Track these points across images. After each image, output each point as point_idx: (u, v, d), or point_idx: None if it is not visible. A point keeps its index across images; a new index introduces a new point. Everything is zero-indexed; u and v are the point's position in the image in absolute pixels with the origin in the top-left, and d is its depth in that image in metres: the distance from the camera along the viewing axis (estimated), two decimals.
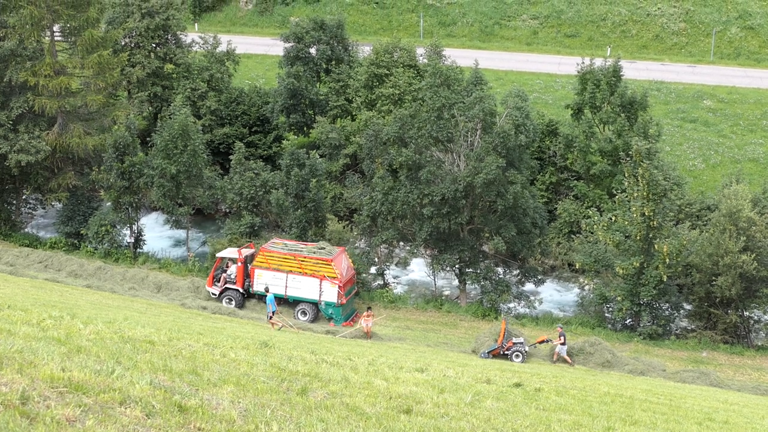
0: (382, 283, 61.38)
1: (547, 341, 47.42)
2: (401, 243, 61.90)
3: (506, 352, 45.87)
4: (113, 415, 10.36)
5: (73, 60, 64.64)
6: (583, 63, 65.14)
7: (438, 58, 68.06)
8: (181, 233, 67.43)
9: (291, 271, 54.31)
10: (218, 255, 57.64)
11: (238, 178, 63.18)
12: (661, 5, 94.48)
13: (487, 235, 57.92)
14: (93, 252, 61.82)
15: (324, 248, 55.89)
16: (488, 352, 45.78)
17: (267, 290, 50.68)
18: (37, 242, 64.62)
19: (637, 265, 52.83)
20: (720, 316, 54.44)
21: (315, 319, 53.67)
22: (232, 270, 55.90)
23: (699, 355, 52.24)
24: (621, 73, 62.98)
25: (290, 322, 49.66)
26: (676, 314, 56.20)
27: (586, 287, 59.64)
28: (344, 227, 64.33)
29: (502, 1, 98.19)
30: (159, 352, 17.27)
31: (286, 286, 54.39)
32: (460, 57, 70.66)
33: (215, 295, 54.67)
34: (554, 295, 61.33)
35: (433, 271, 60.85)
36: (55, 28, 64.62)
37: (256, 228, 62.40)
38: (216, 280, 55.54)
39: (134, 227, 63.74)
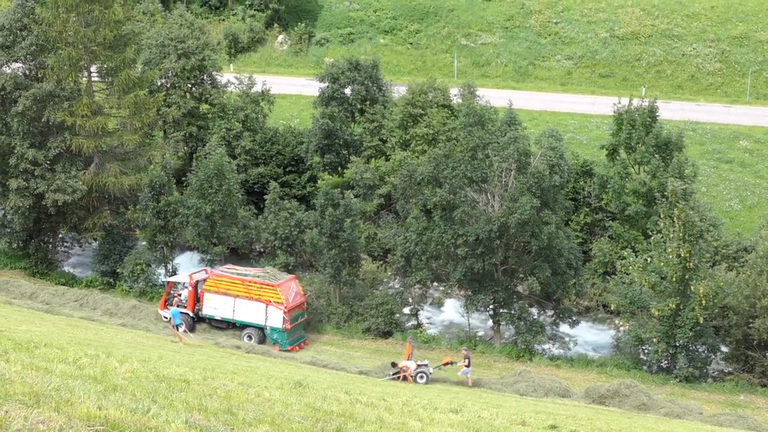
0: (415, 323, 61.29)
1: (452, 363, 48.51)
2: (435, 283, 61.87)
3: (410, 376, 46.79)
4: None
5: (110, 100, 65.23)
6: (618, 103, 65.14)
7: (472, 97, 68.22)
8: None
9: (238, 295, 55.54)
10: (169, 279, 59.01)
11: (272, 218, 63.38)
12: (696, 45, 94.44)
13: (521, 275, 57.80)
14: (128, 291, 62.13)
15: (270, 274, 56.87)
16: (392, 375, 46.87)
17: (173, 305, 53.91)
18: (73, 281, 64.97)
19: (673, 306, 52.54)
20: (758, 359, 54.05)
21: (261, 342, 54.34)
22: (184, 294, 56.82)
23: (736, 398, 51.77)
24: (656, 114, 62.90)
25: (191, 336, 51.40)
26: (713, 356, 55.79)
27: (621, 329, 59.32)
28: (378, 267, 64.50)
29: (536, 42, 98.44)
30: (194, 391, 17.36)
31: (234, 310, 55.57)
32: (494, 97, 70.66)
33: (166, 318, 54.45)
34: (589, 336, 61.00)
35: (467, 312, 60.79)
36: (93, 68, 65.18)
37: (290, 267, 62.58)
38: (168, 303, 56.10)
39: (169, 266, 64.03)
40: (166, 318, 54.30)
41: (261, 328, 55.01)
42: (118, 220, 66.15)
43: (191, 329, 54.99)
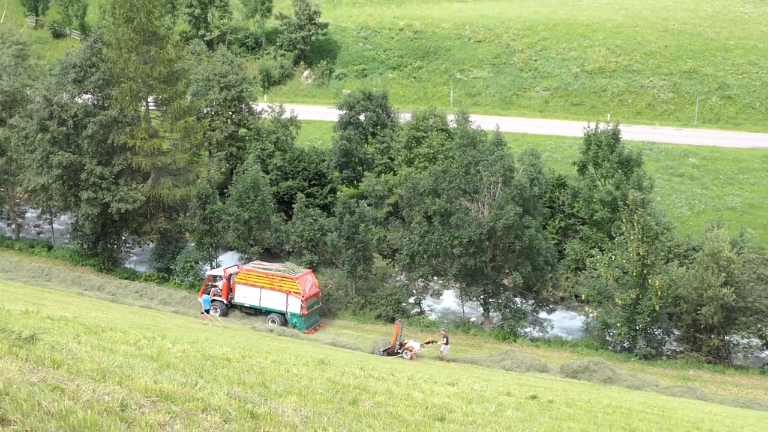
0: (419, 310, 61.27)
1: (433, 342, 48.75)
2: (435, 277, 61.76)
3: (398, 351, 47.21)
4: (196, 421, 10.42)
5: (164, 125, 65.35)
6: (587, 127, 65.26)
7: (465, 122, 68.17)
8: None
9: (264, 286, 56.09)
10: (208, 273, 59.22)
11: (299, 223, 63.53)
12: (653, 78, 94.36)
13: (506, 270, 57.71)
14: (179, 284, 62.15)
15: (290, 268, 57.50)
16: (383, 351, 47.17)
17: (211, 294, 55.32)
18: (134, 275, 65.04)
19: (634, 296, 52.49)
20: (704, 340, 53.88)
21: (284, 325, 54.46)
22: (219, 285, 57.28)
23: (687, 373, 51.63)
24: (619, 136, 62.98)
25: (218, 319, 51.82)
26: (667, 338, 55.63)
27: (590, 315, 59.16)
28: (387, 264, 64.41)
29: (518, 76, 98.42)
30: (234, 367, 17.36)
31: (260, 299, 56.20)
32: (484, 122, 70.68)
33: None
34: (563, 321, 60.83)
35: (462, 301, 60.71)
36: (150, 99, 65.30)
37: (314, 264, 62.69)
38: (206, 292, 56.21)
39: (213, 263, 64.03)
40: (207, 307, 54.81)
41: (283, 314, 55.36)
42: (171, 225, 66.25)
43: (224, 314, 55.80)
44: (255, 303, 56.37)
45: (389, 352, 46.99)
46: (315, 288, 57.11)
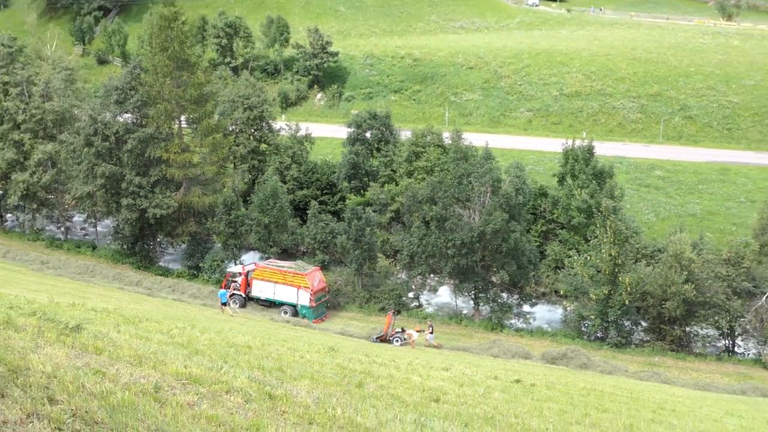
0: (417, 304, 61.25)
1: (421, 331, 48.81)
2: (432, 275, 61.72)
3: (389, 338, 47.72)
4: (221, 401, 10.39)
5: (195, 141, 65.43)
6: (565, 143, 65.25)
7: (459, 139, 68.12)
8: None
9: (277, 281, 56.26)
10: (228, 270, 59.53)
11: (313, 227, 63.56)
12: (623, 101, 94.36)
13: (494, 269, 57.65)
14: (207, 279, 62.10)
15: (299, 266, 57.88)
16: (377, 338, 47.57)
17: (231, 289, 55.77)
18: (167, 272, 65.07)
19: (606, 292, 52.43)
20: (668, 331, 53.83)
21: (294, 316, 54.75)
22: (238, 280, 57.40)
23: (653, 359, 51.54)
24: (593, 151, 62.95)
25: (236, 309, 52.48)
26: (635, 329, 55.54)
27: (568, 308, 59.08)
28: (390, 263, 64.42)
29: (505, 99, 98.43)
30: (254, 354, 17.32)
31: (274, 292, 56.39)
32: (475, 139, 70.63)
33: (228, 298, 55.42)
34: (544, 314, 60.73)
35: (455, 296, 60.65)
36: (182, 118, 65.48)
37: (325, 263, 62.68)
38: (227, 287, 56.20)
39: (237, 262, 64.04)
40: (224, 300, 54.99)
41: (294, 306, 55.57)
42: (200, 228, 66.35)
43: (243, 306, 56.09)
44: (270, 296, 56.55)
45: (382, 339, 47.42)
46: (322, 283, 57.22)
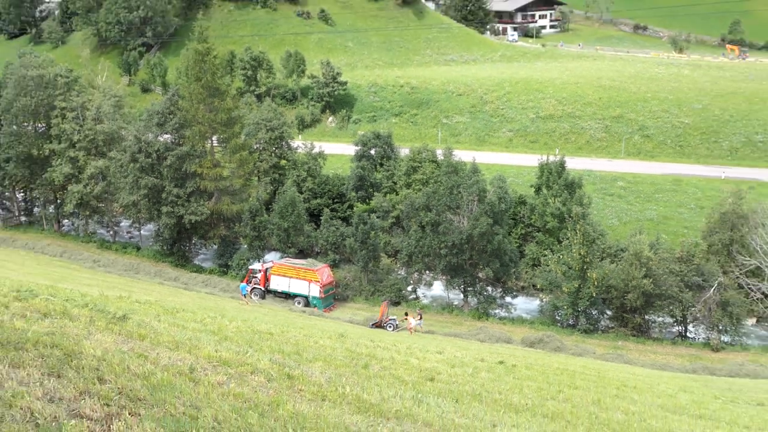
0: (415, 296, 61.18)
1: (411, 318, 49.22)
2: (427, 271, 61.65)
3: (384, 324, 48.27)
4: (246, 381, 10.37)
5: (224, 157, 65.44)
6: (541, 159, 65.18)
7: (450, 156, 68.09)
8: None
9: (291, 276, 56.29)
10: (249, 267, 59.45)
11: (325, 231, 63.58)
12: (590, 122, 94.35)
13: (481, 266, 57.59)
14: (235, 276, 62.04)
15: (310, 263, 57.98)
16: (373, 324, 48.02)
17: (250, 283, 56.03)
18: (201, 269, 65.06)
19: (576, 286, 52.44)
20: (630, 319, 53.76)
21: (307, 306, 54.76)
22: (258, 276, 57.41)
23: (617, 343, 51.45)
24: (565, 165, 62.92)
25: (256, 300, 53.48)
26: (602, 317, 55.50)
27: (544, 300, 58.99)
28: (391, 261, 64.35)
29: (489, 121, 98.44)
30: (275, 339, 17.30)
31: (289, 286, 56.37)
32: (464, 155, 70.69)
33: (250, 291, 55.58)
34: (524, 305, 60.63)
35: (447, 289, 60.60)
36: (214, 138, 65.58)
37: (336, 261, 62.70)
38: (249, 282, 56.58)
39: (260, 261, 64.02)
40: (244, 292, 55.07)
41: (306, 297, 55.56)
42: (229, 231, 66.37)
43: (263, 297, 56.11)
44: (285, 289, 56.54)
45: (377, 325, 47.92)
46: (330, 278, 57.22)
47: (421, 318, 48.86)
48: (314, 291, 55.42)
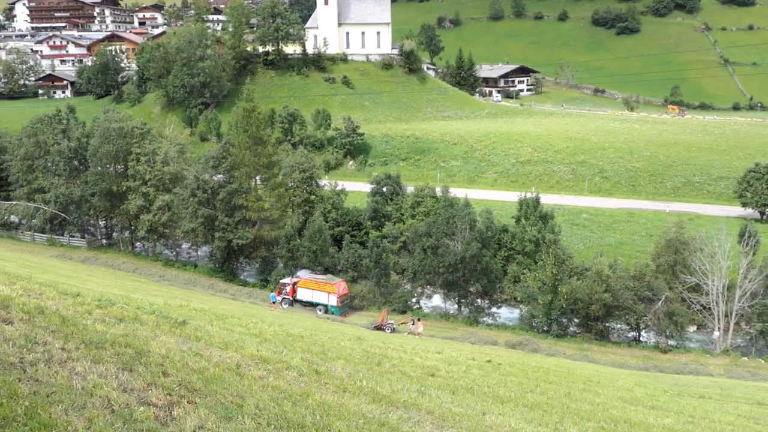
0: (418, 307, 60.71)
1: (405, 323, 49.14)
2: (428, 286, 61.37)
3: (383, 327, 47.58)
4: (282, 375, 10.26)
5: (266, 193, 65.63)
6: (520, 196, 64.97)
7: (446, 193, 68.04)
8: None
9: (314, 288, 55.63)
10: (281, 281, 58.62)
11: (346, 253, 63.42)
12: (560, 166, 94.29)
13: (472, 282, 57.30)
14: (273, 288, 61.85)
15: (329, 277, 57.18)
16: (374, 327, 47.34)
17: (279, 294, 55.36)
18: (246, 283, 64.92)
19: (550, 298, 51.97)
20: (593, 326, 53.26)
21: (326, 313, 53.95)
22: (287, 288, 56.76)
23: (582, 346, 50.84)
24: (539, 201, 62.64)
25: (285, 307, 52.93)
26: (570, 324, 54.92)
27: (523, 310, 58.52)
28: (399, 278, 63.97)
29: (478, 165, 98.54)
30: (305, 341, 17.16)
31: (312, 296, 55.65)
32: (458, 192, 70.56)
33: (273, 300, 55.05)
34: (507, 314, 60.13)
35: (444, 301, 60.20)
36: (257, 177, 65.84)
37: (355, 278, 62.44)
38: (279, 293, 56.15)
39: (293, 277, 63.88)
40: (273, 300, 54.89)
41: (325, 305, 54.99)
42: (269, 253, 66.35)
43: (291, 305, 55.40)
44: (309, 299, 55.91)
45: (377, 328, 47.41)
46: (345, 290, 56.67)
47: (413, 323, 48.69)
48: (332, 300, 55.01)
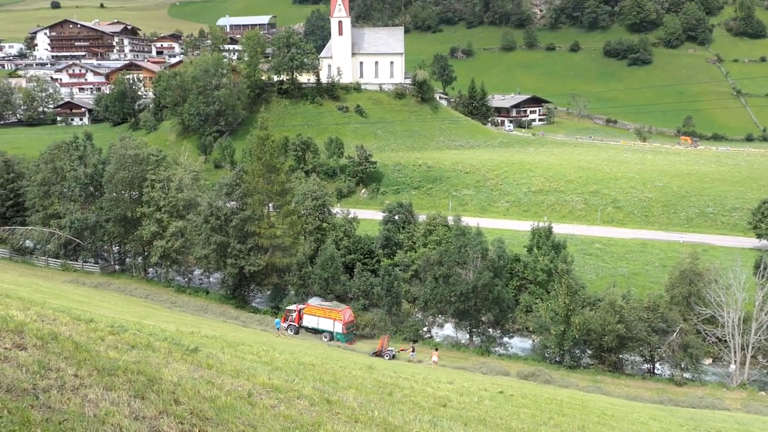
0: (429, 335, 60.27)
1: (405, 350, 49.16)
2: (439, 315, 60.98)
3: (382, 354, 47.43)
4: (293, 404, 10.18)
5: (278, 220, 65.81)
6: (533, 225, 64.79)
7: (458, 221, 68.03)
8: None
9: (320, 315, 55.14)
10: (287, 308, 58.33)
11: (357, 280, 63.28)
12: (572, 195, 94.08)
13: (483, 311, 56.90)
14: (285, 317, 61.83)
15: (335, 304, 56.65)
16: (373, 353, 47.15)
17: (286, 320, 54.90)
18: (257, 310, 64.74)
19: (562, 329, 51.46)
20: (607, 357, 52.61)
21: (332, 340, 53.43)
22: (293, 315, 56.36)
23: (596, 377, 50.10)
24: (552, 230, 62.44)
25: (289, 334, 52.50)
26: (583, 355, 54.21)
27: (536, 340, 57.91)
28: (411, 306, 63.67)
29: (490, 194, 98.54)
30: (317, 370, 17.04)
31: (318, 323, 55.13)
32: (470, 221, 70.50)
33: (285, 327, 54.72)
34: (519, 344, 59.53)
35: (456, 330, 59.74)
36: (270, 205, 66.08)
37: (366, 306, 62.16)
38: (285, 320, 55.77)
39: (296, 303, 63.72)
40: (278, 326, 54.37)
41: (331, 332, 54.48)
42: (281, 280, 66.24)
43: (296, 332, 54.91)
44: (315, 326, 55.46)
45: (377, 354, 47.11)
46: (351, 317, 56.22)
47: (414, 350, 48.36)
48: (338, 328, 54.48)
